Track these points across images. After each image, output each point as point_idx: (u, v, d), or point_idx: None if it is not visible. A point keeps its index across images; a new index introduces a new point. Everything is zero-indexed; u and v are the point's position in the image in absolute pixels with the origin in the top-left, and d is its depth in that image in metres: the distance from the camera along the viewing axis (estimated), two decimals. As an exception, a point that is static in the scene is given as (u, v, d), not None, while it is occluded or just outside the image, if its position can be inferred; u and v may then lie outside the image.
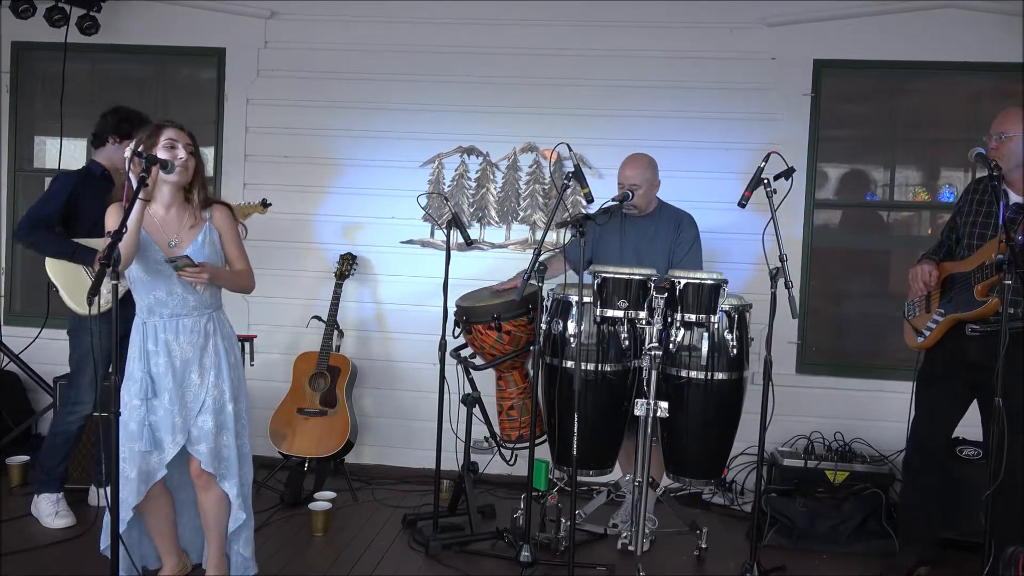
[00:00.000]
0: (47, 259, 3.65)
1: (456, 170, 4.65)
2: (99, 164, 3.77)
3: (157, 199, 2.87)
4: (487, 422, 3.99)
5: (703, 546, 3.63)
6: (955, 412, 3.43)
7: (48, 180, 4.92)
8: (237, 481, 2.93)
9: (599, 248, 3.92)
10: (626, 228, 3.89)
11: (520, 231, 4.64)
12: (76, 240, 3.58)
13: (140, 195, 2.66)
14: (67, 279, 3.57)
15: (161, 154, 2.79)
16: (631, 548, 3.45)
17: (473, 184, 4.66)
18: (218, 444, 2.90)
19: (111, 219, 2.80)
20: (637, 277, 3.33)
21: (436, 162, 4.66)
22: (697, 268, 3.84)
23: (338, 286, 4.49)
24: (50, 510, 3.71)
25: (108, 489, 2.65)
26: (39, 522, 3.71)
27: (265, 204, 4.29)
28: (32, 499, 3.81)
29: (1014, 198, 3.23)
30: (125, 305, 2.87)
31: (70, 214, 3.63)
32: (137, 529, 3.03)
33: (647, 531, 3.54)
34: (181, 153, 2.82)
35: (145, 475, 2.85)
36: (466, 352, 3.92)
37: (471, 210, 4.65)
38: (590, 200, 3.42)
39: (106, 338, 3.24)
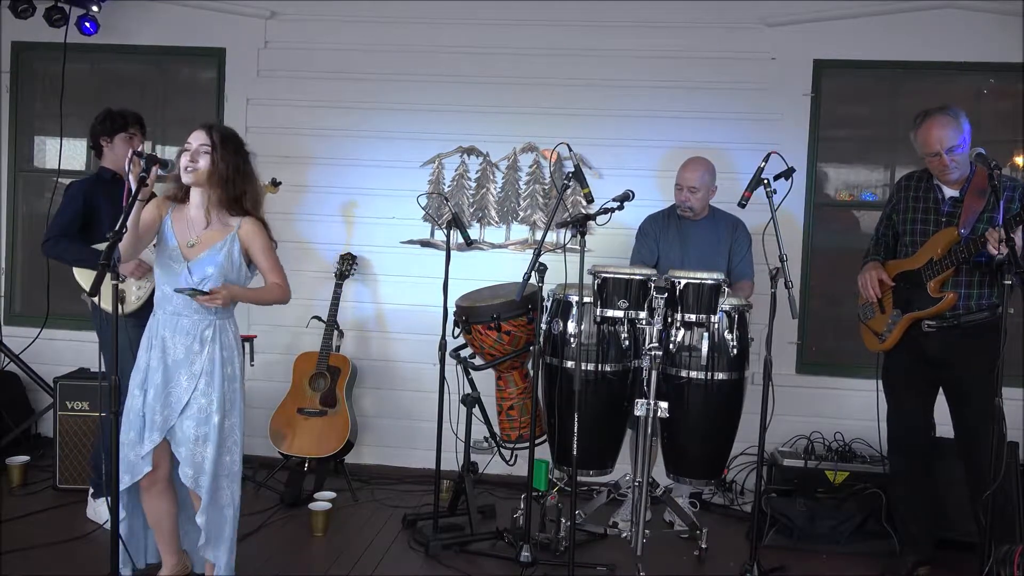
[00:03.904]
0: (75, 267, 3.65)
1: (456, 170, 4.65)
2: (108, 169, 3.77)
3: (191, 199, 2.91)
4: (487, 422, 3.99)
5: (703, 546, 3.63)
6: (924, 409, 3.47)
7: (48, 180, 4.96)
8: (208, 496, 2.82)
9: (661, 251, 3.97)
10: (686, 233, 3.95)
11: (520, 231, 4.64)
12: (95, 247, 3.55)
13: (139, 196, 2.67)
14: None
15: (183, 156, 2.82)
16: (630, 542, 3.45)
17: (473, 184, 4.65)
18: (197, 453, 2.84)
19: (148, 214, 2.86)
20: (637, 277, 3.33)
21: (436, 162, 4.66)
22: (750, 273, 3.92)
23: (338, 286, 4.49)
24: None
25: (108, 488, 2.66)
26: (97, 524, 3.66)
27: (275, 183, 4.23)
28: (88, 503, 3.78)
29: (950, 192, 3.32)
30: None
31: (86, 221, 3.62)
32: (144, 520, 3.03)
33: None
34: (188, 156, 2.83)
35: (131, 465, 2.85)
36: (466, 352, 3.92)
37: (471, 210, 4.65)
38: (590, 200, 3.42)
39: (131, 334, 3.22)
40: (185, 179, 2.85)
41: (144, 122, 3.86)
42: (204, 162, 2.84)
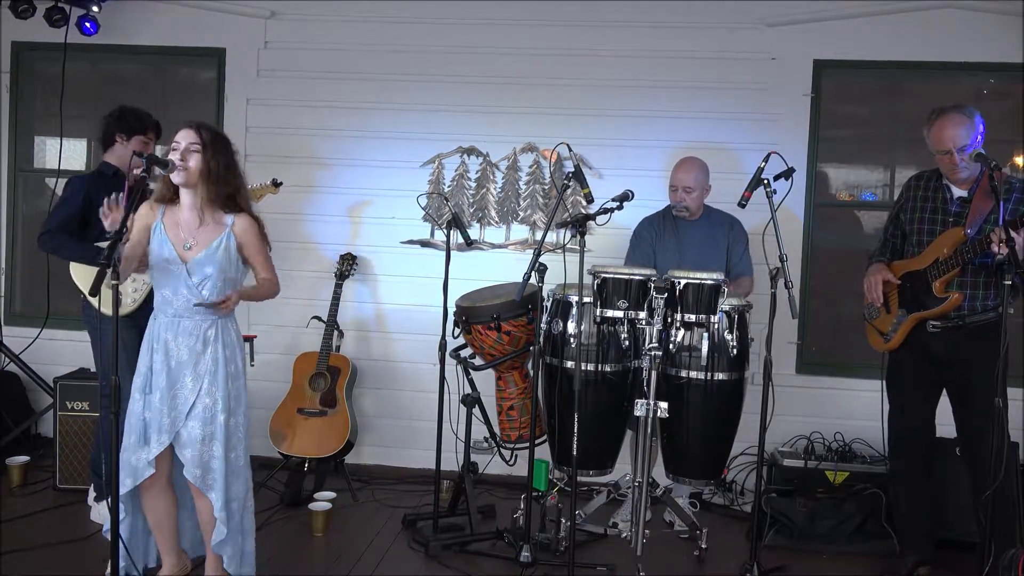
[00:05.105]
0: (71, 264, 3.65)
1: (456, 170, 4.65)
2: (110, 165, 3.77)
3: (182, 200, 2.89)
4: (487, 422, 3.99)
5: (703, 546, 3.63)
6: (928, 409, 3.46)
7: (48, 180, 4.97)
8: (222, 495, 2.87)
9: (657, 253, 3.97)
10: (682, 233, 3.96)
11: (520, 231, 4.64)
12: (96, 244, 3.54)
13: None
14: (89, 281, 3.54)
15: (171, 155, 2.82)
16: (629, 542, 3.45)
17: (473, 184, 4.65)
18: (204, 453, 2.86)
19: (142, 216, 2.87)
20: (637, 277, 3.33)
21: (436, 162, 4.66)
22: (749, 271, 3.93)
23: (338, 286, 4.49)
24: None
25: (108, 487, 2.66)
26: (101, 526, 3.60)
27: (276, 183, 4.20)
28: (92, 506, 3.78)
29: (958, 192, 3.32)
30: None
31: (86, 217, 3.62)
32: (145, 523, 3.03)
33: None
34: (177, 155, 2.82)
35: (132, 469, 2.85)
36: (466, 352, 3.92)
37: (471, 210, 4.64)
38: (590, 200, 3.42)
39: (125, 335, 3.23)
40: (176, 179, 2.83)
41: (161, 130, 3.87)
42: (195, 161, 2.83)
